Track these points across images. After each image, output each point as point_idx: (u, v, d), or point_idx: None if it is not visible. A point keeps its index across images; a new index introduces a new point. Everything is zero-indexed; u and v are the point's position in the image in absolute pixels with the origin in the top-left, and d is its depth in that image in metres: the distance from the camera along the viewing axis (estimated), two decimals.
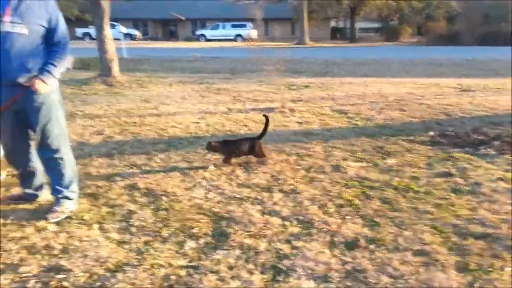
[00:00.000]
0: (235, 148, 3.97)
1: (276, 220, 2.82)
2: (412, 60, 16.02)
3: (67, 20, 3.02)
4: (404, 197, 3.22)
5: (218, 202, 3.14)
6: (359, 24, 45.86)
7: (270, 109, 6.55)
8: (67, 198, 2.96)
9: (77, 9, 36.21)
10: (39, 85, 2.67)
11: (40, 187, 3.14)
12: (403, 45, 32.71)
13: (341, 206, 3.06)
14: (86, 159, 4.16)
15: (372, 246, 2.49)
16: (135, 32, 37.01)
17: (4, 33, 2.54)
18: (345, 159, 4.13)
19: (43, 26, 2.68)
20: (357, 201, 3.14)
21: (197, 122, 5.83)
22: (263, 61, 7.26)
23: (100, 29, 9.25)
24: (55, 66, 2.73)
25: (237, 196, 3.25)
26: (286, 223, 2.79)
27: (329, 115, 6.31)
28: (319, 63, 15.18)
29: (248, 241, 2.55)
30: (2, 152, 3.22)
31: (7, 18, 2.54)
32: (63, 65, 2.80)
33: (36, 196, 3.12)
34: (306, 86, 9.34)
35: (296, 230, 2.70)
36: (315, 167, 3.91)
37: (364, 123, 5.76)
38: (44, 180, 3.15)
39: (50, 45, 2.75)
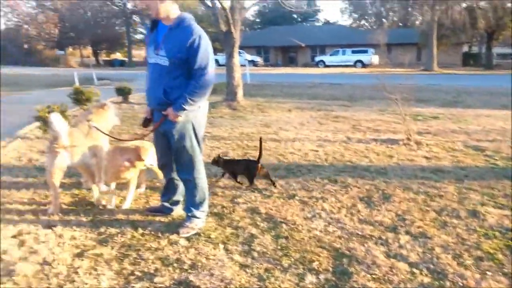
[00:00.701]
0: (230, 168, 4.33)
1: (403, 266, 2.62)
2: None
3: None
4: None
5: (339, 237, 3.05)
6: (496, 50, 41.40)
7: (394, 141, 6.23)
8: (196, 216, 3.18)
9: (209, 38, 39.83)
10: (172, 116, 2.90)
11: (176, 203, 3.44)
12: None
13: (480, 259, 2.71)
14: (213, 179, 4.43)
15: None
16: (258, 59, 39.08)
17: (152, 64, 2.94)
18: (483, 204, 3.68)
19: (182, 58, 2.81)
20: (499, 255, 2.75)
21: (316, 150, 5.82)
22: (385, 88, 6.98)
23: (230, 57, 9.99)
24: (188, 99, 2.81)
25: (359, 233, 3.12)
26: (415, 270, 2.57)
27: (462, 151, 5.74)
28: (449, 92, 14.06)
29: (372, 284, 2.41)
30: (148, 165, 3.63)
31: (157, 51, 2.89)
32: (199, 96, 2.85)
33: (171, 210, 3.43)
34: (435, 117, 8.70)
35: (426, 280, 2.46)
36: (447, 210, 3.56)
37: (505, 164, 5.09)
38: (181, 198, 3.44)
39: (190, 76, 2.87)
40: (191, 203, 3.18)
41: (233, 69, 10.07)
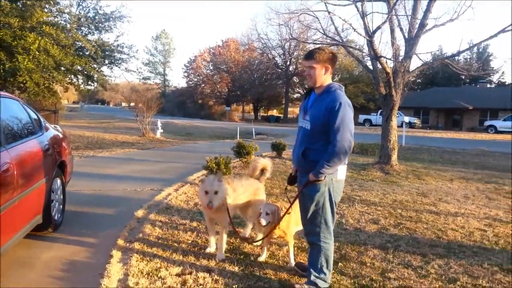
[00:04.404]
0: None
1: None
2: None
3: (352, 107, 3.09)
4: None
5: None
6: None
7: None
8: (315, 284, 3.10)
9: (363, 98, 39.91)
10: (312, 179, 2.99)
11: None
12: None
13: None
14: (361, 247, 4.25)
15: None
16: (415, 120, 37.11)
17: (299, 127, 3.20)
18: None
19: (323, 123, 2.94)
20: None
21: (483, 230, 5.09)
22: None
23: (387, 119, 9.74)
24: (325, 164, 2.89)
25: None
26: None
27: None
28: None
29: None
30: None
31: (304, 116, 3.13)
32: (334, 162, 2.90)
33: None
34: None
35: None
36: None
37: None
38: None
39: (329, 141, 2.93)
40: (313, 267, 3.14)
41: (390, 132, 9.74)
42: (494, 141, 23.03)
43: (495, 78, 49.34)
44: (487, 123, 34.77)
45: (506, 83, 48.30)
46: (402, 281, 3.43)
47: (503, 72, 49.28)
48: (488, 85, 46.30)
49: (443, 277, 3.55)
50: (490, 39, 9.02)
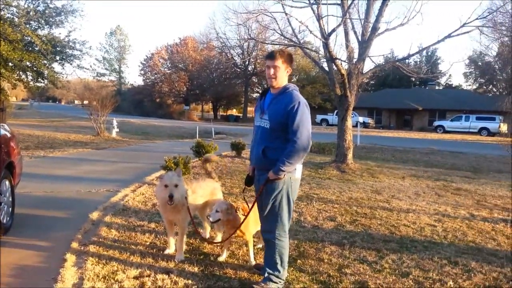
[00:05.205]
0: None
1: None
2: None
3: (310, 107, 3.11)
4: None
5: None
6: None
7: None
8: (270, 280, 3.16)
9: (320, 98, 40.79)
10: (271, 177, 3.03)
11: None
12: None
13: None
14: (319, 244, 4.35)
15: None
16: (369, 120, 38.42)
17: (257, 127, 3.22)
18: None
19: (282, 122, 3.00)
20: None
21: (433, 225, 5.37)
22: None
23: (343, 120, 10.02)
24: (285, 161, 2.94)
25: None
26: None
27: None
28: None
29: None
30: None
31: (261, 115, 3.16)
32: (294, 159, 2.96)
33: None
34: None
35: None
36: None
37: None
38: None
39: (287, 140, 3.00)
40: (267, 263, 3.20)
41: (345, 132, 10.03)
42: (442, 140, 24.29)
43: (443, 80, 52.11)
44: (436, 123, 36.63)
45: (453, 85, 51.09)
46: (358, 276, 3.55)
47: (450, 75, 52.25)
48: (437, 87, 48.74)
49: (397, 271, 3.71)
50: (438, 43, 9.53)
